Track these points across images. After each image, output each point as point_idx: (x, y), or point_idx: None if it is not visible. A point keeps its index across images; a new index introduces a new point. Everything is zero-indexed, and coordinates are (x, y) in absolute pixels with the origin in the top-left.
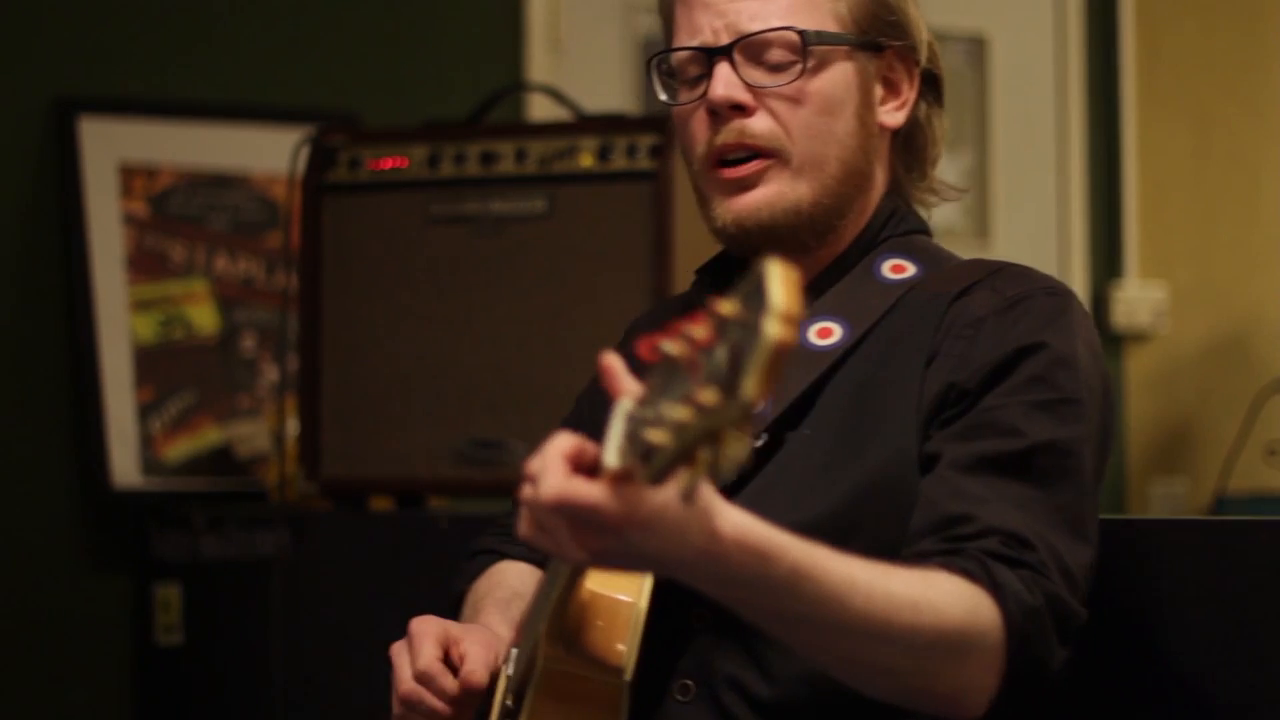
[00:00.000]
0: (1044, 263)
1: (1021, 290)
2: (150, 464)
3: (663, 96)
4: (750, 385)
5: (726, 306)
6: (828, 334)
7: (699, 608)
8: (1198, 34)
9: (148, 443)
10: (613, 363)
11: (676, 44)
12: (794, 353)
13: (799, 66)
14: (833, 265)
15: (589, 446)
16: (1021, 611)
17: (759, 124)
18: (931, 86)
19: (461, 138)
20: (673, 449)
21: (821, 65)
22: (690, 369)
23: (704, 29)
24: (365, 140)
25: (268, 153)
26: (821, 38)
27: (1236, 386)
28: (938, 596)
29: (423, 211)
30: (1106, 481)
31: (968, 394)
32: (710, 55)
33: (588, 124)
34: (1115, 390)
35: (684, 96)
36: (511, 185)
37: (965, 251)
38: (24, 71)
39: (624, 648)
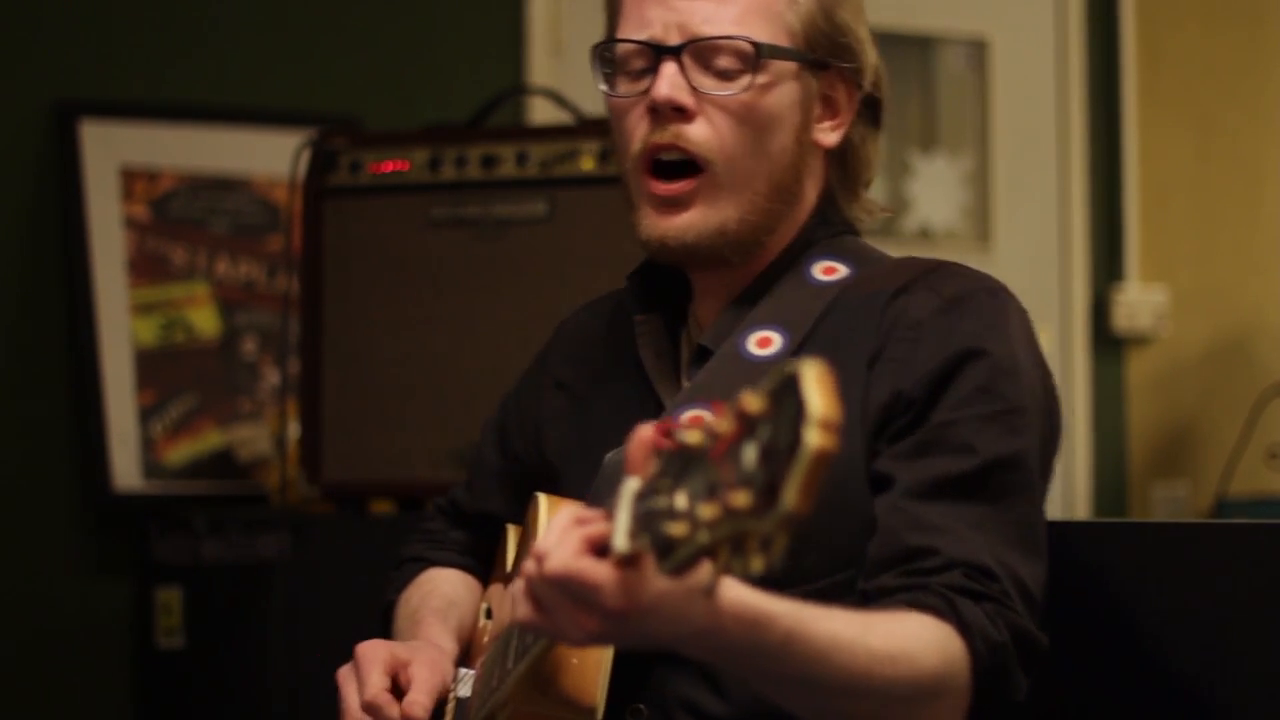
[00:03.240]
0: (1045, 266)
1: (959, 289)
2: (151, 467)
3: (601, 86)
4: (792, 496)
5: (753, 403)
6: (767, 343)
7: None
8: (1199, 37)
9: (149, 446)
10: (645, 437)
11: (623, 35)
12: (737, 364)
13: (748, 78)
14: (764, 273)
15: (604, 528)
16: (989, 649)
17: (697, 131)
18: (871, 110)
19: (462, 141)
20: (696, 546)
21: (769, 79)
22: (717, 465)
23: (654, 24)
24: (366, 143)
25: (269, 156)
26: (775, 52)
27: (1238, 390)
28: (914, 646)
29: (424, 215)
30: (1107, 484)
31: (914, 403)
32: (659, 53)
33: (589, 127)
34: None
35: (623, 88)
36: (512, 188)
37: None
38: (25, 75)
39: (596, 688)
